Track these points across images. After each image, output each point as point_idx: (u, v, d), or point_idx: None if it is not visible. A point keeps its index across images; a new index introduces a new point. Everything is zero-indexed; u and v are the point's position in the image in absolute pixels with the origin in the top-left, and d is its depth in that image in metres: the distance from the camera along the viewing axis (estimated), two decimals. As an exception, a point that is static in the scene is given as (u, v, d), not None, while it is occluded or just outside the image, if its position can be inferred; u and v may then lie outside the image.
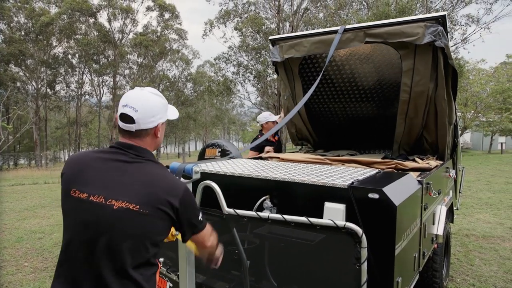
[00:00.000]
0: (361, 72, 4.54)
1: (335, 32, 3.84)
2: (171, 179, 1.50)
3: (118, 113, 1.52)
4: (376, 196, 2.00)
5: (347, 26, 3.81)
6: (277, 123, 4.99)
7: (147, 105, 1.50)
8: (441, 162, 3.83)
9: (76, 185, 1.42)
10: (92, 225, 1.36)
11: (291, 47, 4.20)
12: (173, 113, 1.71)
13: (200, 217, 1.60)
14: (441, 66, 3.59)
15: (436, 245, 3.20)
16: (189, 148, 68.17)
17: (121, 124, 1.51)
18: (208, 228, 1.67)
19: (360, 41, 3.70)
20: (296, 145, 5.31)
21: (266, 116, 5.09)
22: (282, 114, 5.22)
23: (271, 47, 4.58)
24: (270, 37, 4.55)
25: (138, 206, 1.36)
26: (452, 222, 4.28)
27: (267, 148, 4.66)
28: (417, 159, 3.75)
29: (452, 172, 4.00)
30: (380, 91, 4.57)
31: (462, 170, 5.12)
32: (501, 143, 30.77)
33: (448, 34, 3.55)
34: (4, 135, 23.18)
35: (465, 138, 38.74)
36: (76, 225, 1.40)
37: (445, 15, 3.37)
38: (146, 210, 1.37)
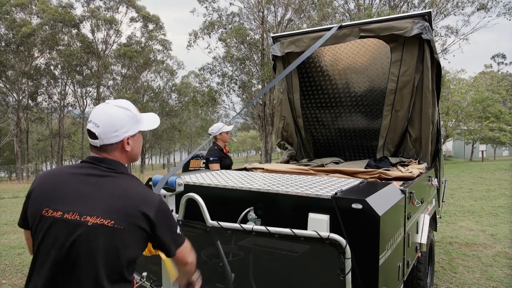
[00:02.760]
0: (355, 84, 4.75)
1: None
2: (145, 191, 1.46)
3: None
4: (359, 206, 2.01)
5: (343, 24, 4.17)
6: (228, 134, 4.90)
7: (109, 120, 1.46)
8: (424, 165, 3.90)
9: (48, 204, 1.37)
10: (68, 243, 1.32)
11: (291, 43, 4.54)
12: (150, 123, 1.64)
13: (178, 231, 1.54)
14: (427, 58, 3.91)
15: (420, 254, 3.22)
16: (174, 159, 67.63)
17: (89, 139, 1.51)
18: (187, 243, 1.60)
19: (355, 36, 4.05)
20: (278, 146, 5.26)
21: (219, 126, 4.85)
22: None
23: (272, 44, 4.89)
24: (272, 35, 4.90)
25: (112, 222, 1.33)
26: (436, 231, 4.32)
27: (214, 166, 4.58)
28: (400, 167, 3.80)
29: (435, 181, 4.05)
30: (371, 102, 4.72)
31: (445, 183, 5.21)
32: (482, 151, 31.45)
33: (433, 30, 3.92)
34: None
35: (447, 147, 39.47)
36: (51, 244, 1.34)
37: (430, 12, 3.84)
38: (120, 225, 1.34)
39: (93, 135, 1.47)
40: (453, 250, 5.41)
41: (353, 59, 4.63)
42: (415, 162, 4.08)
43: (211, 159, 4.62)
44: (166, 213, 1.49)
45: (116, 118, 1.48)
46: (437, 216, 4.43)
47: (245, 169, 4.11)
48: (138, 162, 46.46)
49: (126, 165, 1.58)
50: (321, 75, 4.90)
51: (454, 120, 27.66)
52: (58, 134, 37.33)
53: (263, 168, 3.90)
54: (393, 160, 4.27)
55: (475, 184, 12.61)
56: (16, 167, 33.74)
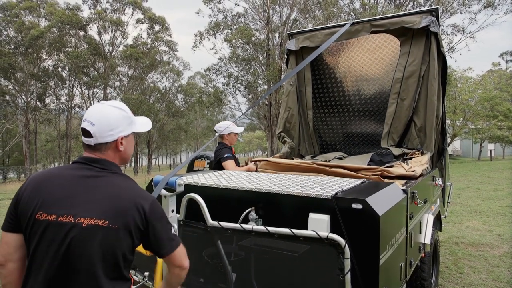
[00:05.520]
0: (365, 88, 4.93)
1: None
2: (139, 191, 1.47)
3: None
4: (359, 206, 2.01)
5: (356, 20, 4.49)
6: (236, 136, 4.42)
7: (105, 119, 1.48)
8: (427, 156, 3.90)
9: (42, 207, 1.37)
10: (64, 246, 1.33)
11: (306, 38, 4.79)
12: (143, 125, 1.67)
13: (173, 231, 1.55)
14: (433, 49, 4.12)
15: (423, 254, 3.20)
16: (180, 160, 67.87)
17: (83, 138, 1.51)
18: (182, 246, 1.58)
19: (367, 31, 4.33)
20: (278, 137, 5.21)
21: (229, 125, 4.25)
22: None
23: (288, 40, 5.14)
24: (289, 32, 5.21)
25: (107, 222, 1.35)
26: (440, 230, 4.29)
27: (230, 163, 4.10)
28: (402, 163, 3.77)
29: (439, 180, 4.02)
30: (380, 106, 4.86)
31: (450, 186, 5.20)
32: (490, 150, 31.15)
33: (440, 26, 4.20)
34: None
35: (455, 146, 39.13)
36: (47, 248, 1.34)
37: (437, 8, 4.14)
38: (115, 225, 1.35)
39: (87, 134, 1.47)
40: (459, 251, 5.37)
41: (365, 64, 4.81)
42: (418, 154, 4.09)
43: (225, 155, 4.08)
44: (160, 213, 1.50)
45: (111, 118, 1.50)
46: (442, 216, 4.40)
47: (252, 161, 4.07)
48: (144, 163, 46.68)
49: (121, 167, 1.60)
50: (332, 72, 5.06)
51: (461, 119, 27.43)
52: (66, 135, 37.66)
53: (267, 160, 3.87)
54: (396, 151, 4.33)
55: (483, 183, 12.49)
56: (25, 168, 34.07)
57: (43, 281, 1.34)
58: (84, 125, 1.48)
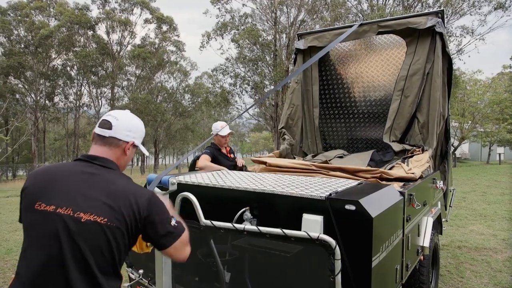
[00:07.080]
0: (372, 93, 4.98)
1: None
2: (136, 188, 1.51)
3: (98, 122, 1.61)
4: (352, 207, 2.00)
5: (363, 22, 4.62)
6: (224, 138, 4.47)
7: (129, 120, 1.65)
8: (428, 154, 3.87)
9: (41, 198, 1.41)
10: (61, 237, 1.35)
11: (315, 38, 4.92)
12: (144, 148, 1.78)
13: (173, 223, 1.53)
14: (438, 48, 4.18)
15: (422, 257, 3.17)
16: (187, 159, 68.06)
17: (97, 129, 1.58)
18: (184, 236, 1.56)
19: (374, 32, 4.47)
20: (280, 132, 5.21)
21: (217, 127, 4.40)
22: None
23: (296, 41, 5.27)
24: (298, 32, 5.39)
25: (106, 219, 1.37)
26: (441, 234, 4.25)
27: (202, 158, 4.20)
28: (402, 164, 3.73)
29: (440, 183, 3.98)
30: (385, 108, 4.85)
31: (453, 191, 5.15)
32: (499, 154, 30.78)
33: (446, 28, 4.12)
34: (1, 147, 23.16)
35: (463, 149, 38.73)
36: (43, 238, 1.37)
37: (443, 10, 4.26)
38: (113, 223, 1.38)
39: (108, 125, 1.58)
40: (462, 254, 5.31)
41: (372, 68, 4.84)
42: (418, 151, 4.07)
43: (202, 152, 4.30)
44: (157, 208, 1.50)
45: (134, 123, 1.68)
46: (443, 219, 4.35)
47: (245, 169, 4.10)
48: (151, 162, 46.89)
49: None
50: (338, 73, 5.11)
51: (470, 122, 27.17)
52: (74, 133, 37.98)
53: (266, 162, 3.85)
54: (396, 147, 4.33)
55: (490, 187, 12.35)
56: (33, 165, 34.41)
57: (37, 270, 1.35)
58: (108, 118, 1.60)
